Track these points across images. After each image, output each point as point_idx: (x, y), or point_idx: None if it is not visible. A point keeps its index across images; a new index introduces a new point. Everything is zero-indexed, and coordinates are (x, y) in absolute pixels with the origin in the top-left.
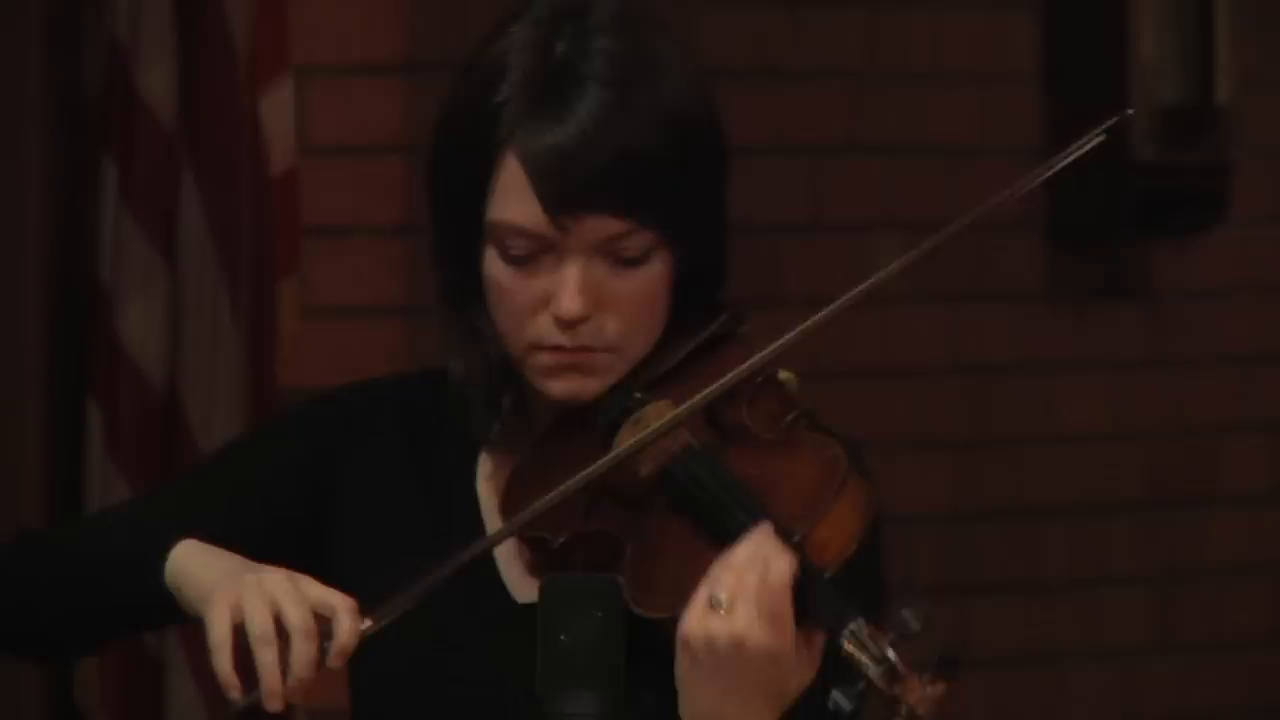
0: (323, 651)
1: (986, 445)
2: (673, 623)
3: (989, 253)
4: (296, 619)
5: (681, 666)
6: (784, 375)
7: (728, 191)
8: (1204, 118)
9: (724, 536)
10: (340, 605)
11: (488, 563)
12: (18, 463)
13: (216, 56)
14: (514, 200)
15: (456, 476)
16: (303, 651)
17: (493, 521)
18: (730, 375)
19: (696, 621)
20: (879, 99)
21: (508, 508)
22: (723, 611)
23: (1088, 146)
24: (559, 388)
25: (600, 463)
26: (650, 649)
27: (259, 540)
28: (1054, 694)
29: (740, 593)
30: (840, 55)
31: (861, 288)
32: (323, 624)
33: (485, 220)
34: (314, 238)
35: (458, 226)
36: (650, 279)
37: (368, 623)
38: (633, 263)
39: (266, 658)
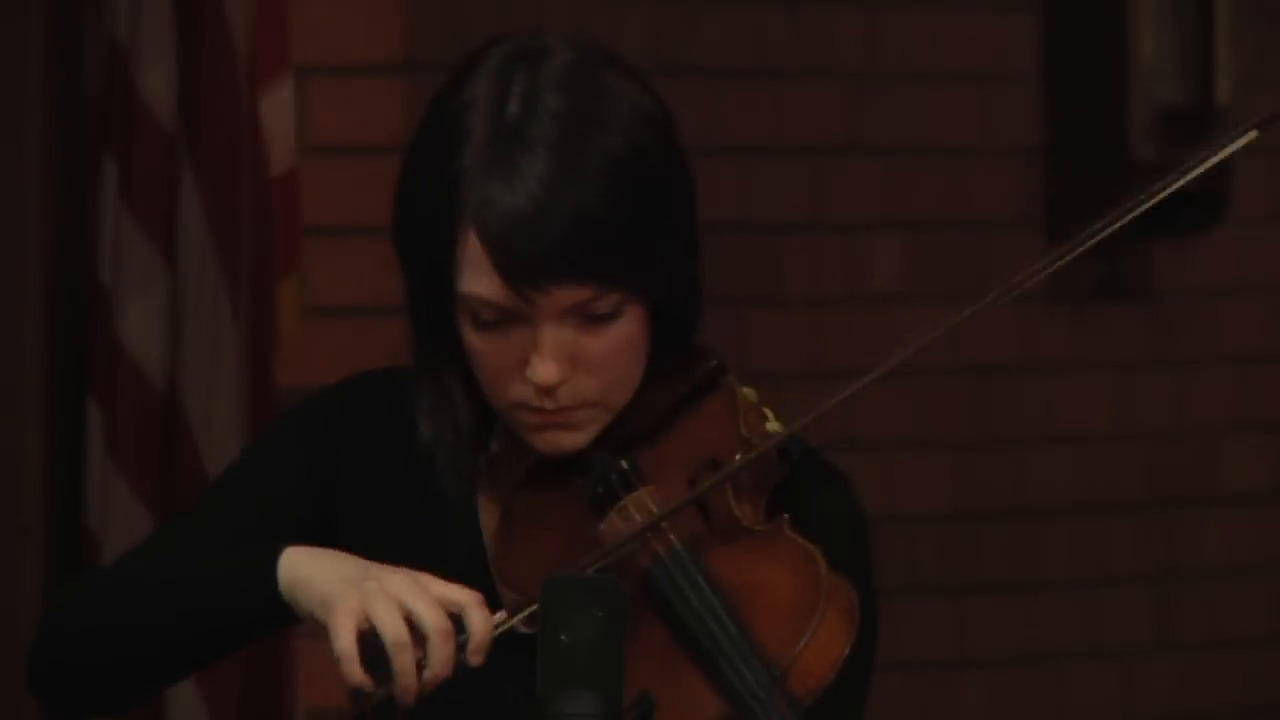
0: (459, 645)
1: (986, 445)
2: None
3: (989, 253)
4: (432, 619)
5: None
6: (745, 392)
7: (696, 224)
8: (1204, 118)
9: (704, 660)
10: (468, 601)
11: (490, 585)
12: (18, 463)
13: (216, 56)
14: (478, 274)
15: (457, 500)
16: (441, 650)
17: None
18: (720, 475)
19: None
20: (879, 99)
21: (500, 566)
22: None
23: (1236, 146)
24: (543, 443)
25: (588, 562)
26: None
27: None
28: (1054, 694)
29: None
30: (840, 55)
31: (872, 375)
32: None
33: (455, 290)
34: (314, 238)
35: (428, 295)
36: (624, 332)
37: (501, 614)
38: (604, 319)
39: (405, 662)
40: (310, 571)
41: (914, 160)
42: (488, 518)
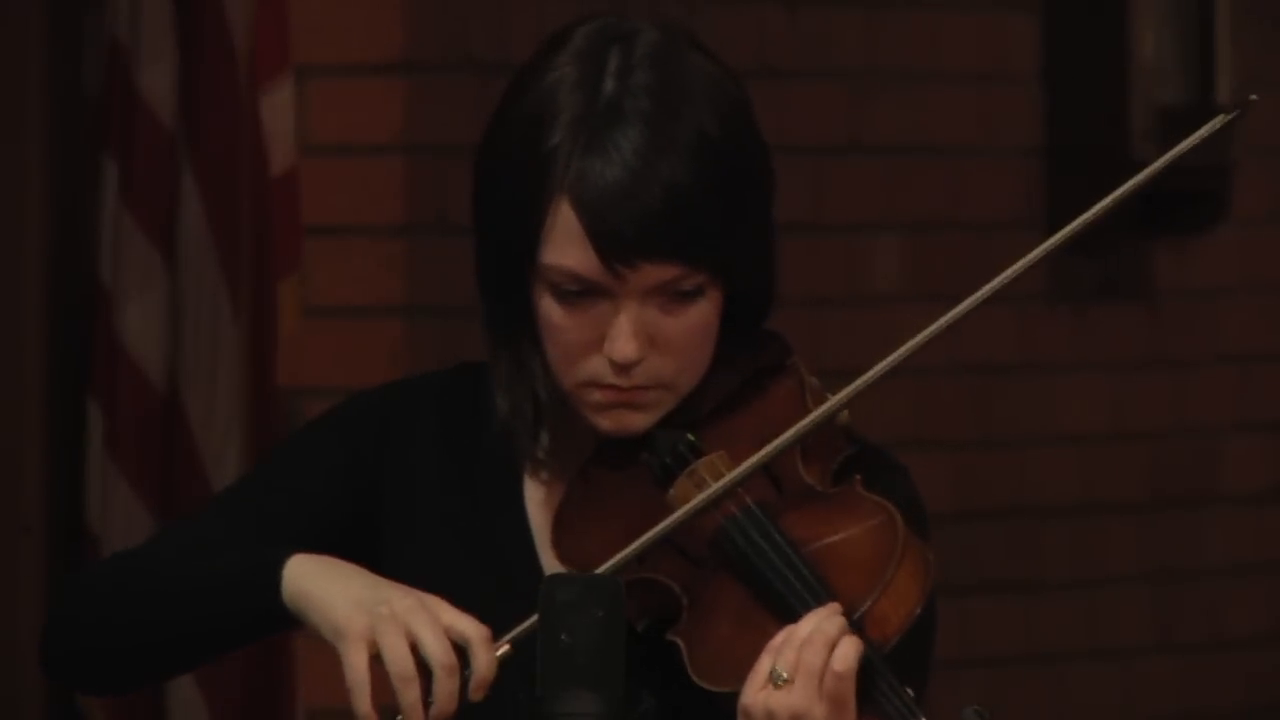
0: (463, 681)
1: (987, 445)
2: (734, 698)
3: (989, 253)
4: (437, 652)
5: None
6: (811, 380)
7: (773, 211)
8: (1204, 118)
9: (783, 608)
10: (475, 635)
11: (533, 568)
12: (18, 463)
13: (216, 56)
14: (569, 247)
15: (504, 494)
16: (445, 686)
17: (545, 544)
18: (790, 433)
19: (755, 694)
20: (879, 99)
21: (560, 545)
22: (783, 686)
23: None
24: (609, 423)
25: (661, 527)
26: (655, 654)
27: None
28: (1054, 694)
29: (802, 670)
30: (840, 55)
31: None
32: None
33: (538, 261)
34: (314, 238)
35: (506, 265)
36: (702, 315)
37: (505, 648)
38: (685, 298)
39: (410, 697)
40: (317, 587)
41: (914, 160)
42: (537, 511)
